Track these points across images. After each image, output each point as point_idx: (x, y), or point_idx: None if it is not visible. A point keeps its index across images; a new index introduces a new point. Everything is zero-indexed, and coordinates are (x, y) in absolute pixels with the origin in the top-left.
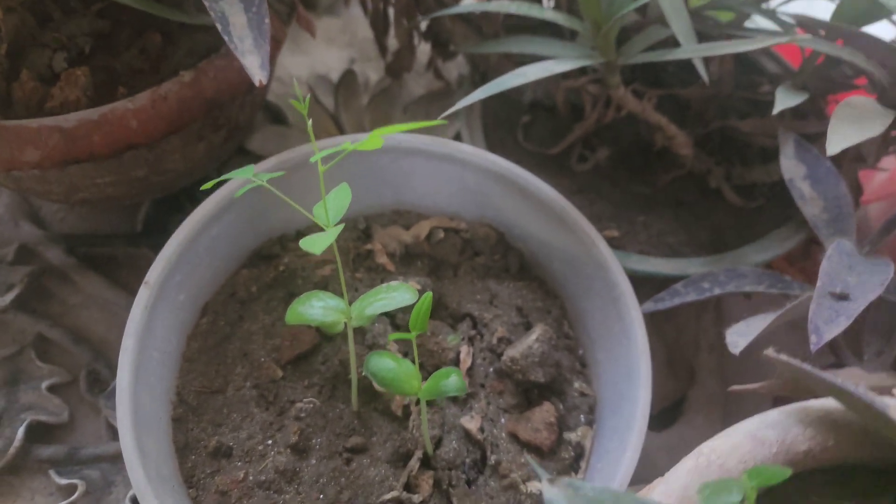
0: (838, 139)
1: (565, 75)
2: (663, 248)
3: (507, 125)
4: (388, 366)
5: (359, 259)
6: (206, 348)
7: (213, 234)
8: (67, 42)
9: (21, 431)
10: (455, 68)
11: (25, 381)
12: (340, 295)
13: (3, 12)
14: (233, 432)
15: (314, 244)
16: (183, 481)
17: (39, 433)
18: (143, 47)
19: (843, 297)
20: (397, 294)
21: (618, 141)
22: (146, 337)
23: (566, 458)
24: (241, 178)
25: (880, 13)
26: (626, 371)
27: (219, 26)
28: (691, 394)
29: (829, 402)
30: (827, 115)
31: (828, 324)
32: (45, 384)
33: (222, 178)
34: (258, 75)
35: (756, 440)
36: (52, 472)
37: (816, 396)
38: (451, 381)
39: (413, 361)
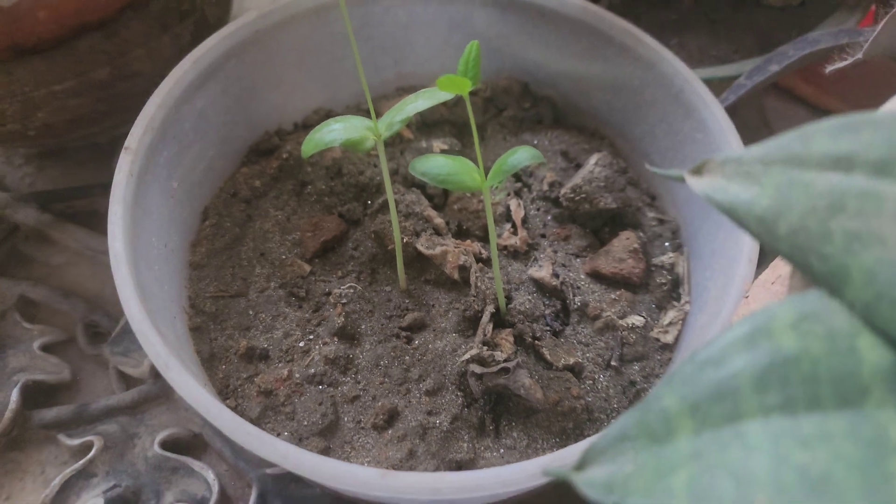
0: None
1: None
2: (710, 60)
3: None
4: (441, 162)
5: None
6: (215, 252)
7: (199, 108)
8: None
9: (15, 393)
10: None
11: (13, 345)
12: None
13: None
14: (265, 334)
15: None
16: (217, 393)
17: (39, 396)
18: None
19: None
20: (425, 99)
21: None
22: (137, 210)
23: (664, 285)
24: (233, 24)
25: None
26: None
27: None
28: None
29: None
30: None
31: None
32: (36, 344)
33: None
34: None
35: None
36: (60, 436)
37: None
38: (520, 154)
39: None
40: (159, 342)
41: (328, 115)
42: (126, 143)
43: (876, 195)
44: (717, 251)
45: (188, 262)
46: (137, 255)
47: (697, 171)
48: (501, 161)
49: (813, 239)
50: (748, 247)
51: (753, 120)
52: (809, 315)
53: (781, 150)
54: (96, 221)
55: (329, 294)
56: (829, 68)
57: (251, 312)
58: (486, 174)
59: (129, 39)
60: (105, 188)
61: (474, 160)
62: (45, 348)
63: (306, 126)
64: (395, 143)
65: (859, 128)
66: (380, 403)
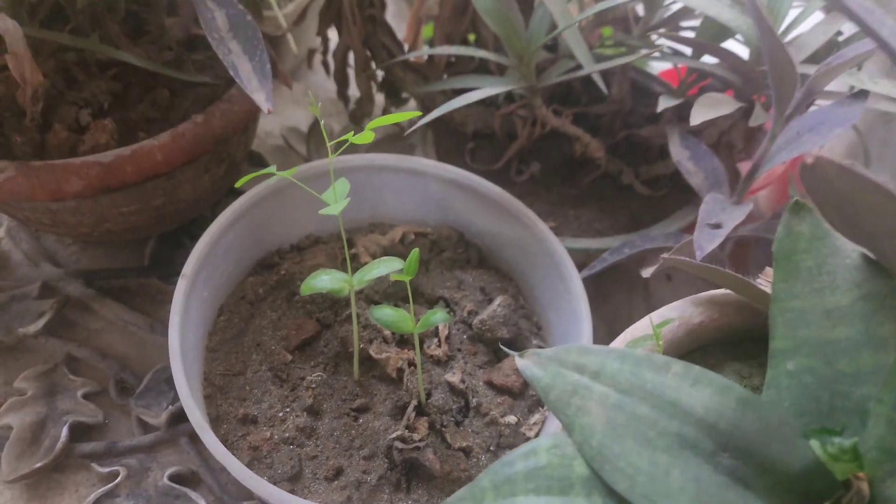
0: (699, 115)
1: (499, 106)
2: (591, 232)
3: (456, 152)
4: (389, 312)
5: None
6: (226, 340)
7: (229, 240)
8: (90, 100)
9: (65, 431)
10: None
11: (62, 392)
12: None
13: (40, 77)
14: (256, 404)
15: (332, 208)
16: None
17: (79, 434)
18: (153, 101)
19: (717, 227)
20: (388, 263)
21: (547, 156)
22: (185, 319)
23: (534, 396)
24: (256, 185)
25: (728, 34)
26: (571, 316)
27: (231, 72)
28: None
29: (714, 292)
30: None
31: (707, 242)
32: (80, 392)
33: (243, 180)
34: (265, 105)
35: (662, 317)
36: (93, 465)
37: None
38: (439, 315)
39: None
40: (198, 412)
41: (316, 240)
42: (183, 271)
43: (590, 388)
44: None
45: (206, 347)
46: (184, 347)
47: (522, 354)
48: (426, 319)
49: (563, 405)
50: None
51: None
52: (557, 445)
53: (557, 356)
54: (127, 297)
55: (304, 379)
56: (644, 271)
57: (248, 388)
58: (433, 300)
59: (182, 181)
60: (136, 271)
61: (422, 287)
62: (86, 396)
63: (300, 248)
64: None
65: (589, 352)
66: (331, 462)
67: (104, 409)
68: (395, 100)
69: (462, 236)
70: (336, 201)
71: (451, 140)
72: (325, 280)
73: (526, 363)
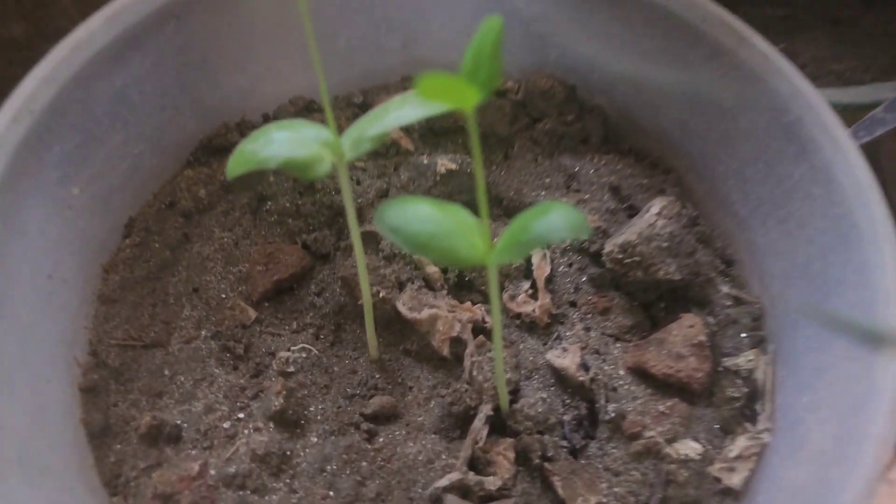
0: None
1: None
2: (828, 77)
3: None
4: (424, 213)
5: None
6: (134, 282)
7: (117, 88)
8: None
9: None
10: None
11: None
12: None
13: None
14: (181, 405)
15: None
16: (103, 484)
17: None
18: None
19: None
20: (414, 107)
21: None
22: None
23: (735, 400)
24: None
25: None
26: (829, 239)
27: None
28: None
29: None
30: None
31: None
32: None
33: None
34: None
35: None
36: None
37: None
38: (555, 218)
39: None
40: None
41: (308, 107)
42: None
43: None
44: (829, 370)
45: (97, 294)
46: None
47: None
48: (521, 225)
49: None
50: (892, 385)
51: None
52: None
53: None
54: None
55: (275, 355)
56: None
57: (167, 372)
58: (519, 209)
59: None
60: None
61: (499, 186)
62: None
63: (280, 119)
64: (389, 155)
65: None
66: None
67: None
68: None
69: (573, 92)
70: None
71: None
72: (277, 143)
73: None
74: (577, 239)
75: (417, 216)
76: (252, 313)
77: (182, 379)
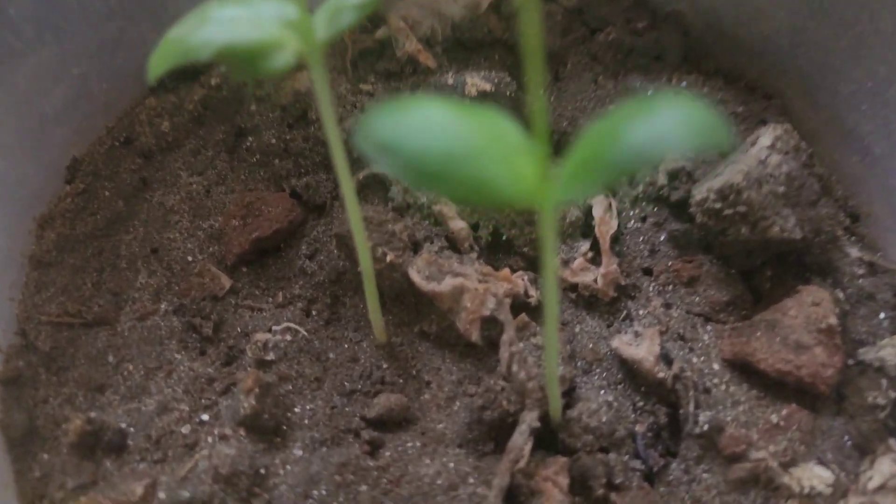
0: None
1: None
2: None
3: None
4: (438, 121)
5: (365, 59)
6: (75, 241)
7: None
8: None
9: None
10: None
11: None
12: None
13: None
14: (128, 401)
15: None
16: None
17: None
18: None
19: None
20: None
21: None
22: None
23: (878, 408)
24: None
25: None
26: None
27: None
28: None
29: None
30: None
31: None
32: None
33: None
34: None
35: None
36: None
37: None
38: (667, 115)
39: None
40: None
41: None
42: None
43: None
44: None
45: (26, 256)
46: None
47: None
48: (604, 133)
49: None
50: None
51: None
52: None
53: None
54: None
55: (252, 337)
56: None
57: (112, 359)
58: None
59: None
60: None
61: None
62: None
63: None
64: (404, 74)
65: None
66: None
67: None
68: None
69: None
70: None
71: None
72: (219, 24)
73: None
74: (652, 177)
75: (427, 126)
76: (225, 281)
77: (131, 367)
